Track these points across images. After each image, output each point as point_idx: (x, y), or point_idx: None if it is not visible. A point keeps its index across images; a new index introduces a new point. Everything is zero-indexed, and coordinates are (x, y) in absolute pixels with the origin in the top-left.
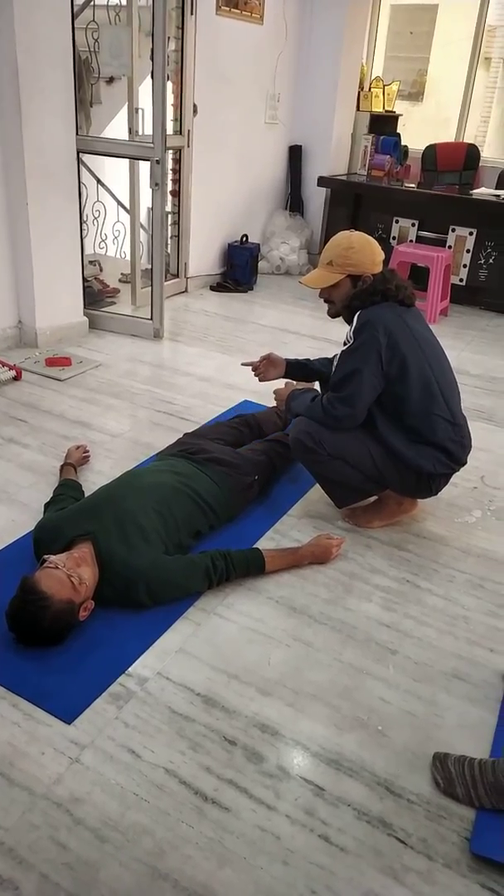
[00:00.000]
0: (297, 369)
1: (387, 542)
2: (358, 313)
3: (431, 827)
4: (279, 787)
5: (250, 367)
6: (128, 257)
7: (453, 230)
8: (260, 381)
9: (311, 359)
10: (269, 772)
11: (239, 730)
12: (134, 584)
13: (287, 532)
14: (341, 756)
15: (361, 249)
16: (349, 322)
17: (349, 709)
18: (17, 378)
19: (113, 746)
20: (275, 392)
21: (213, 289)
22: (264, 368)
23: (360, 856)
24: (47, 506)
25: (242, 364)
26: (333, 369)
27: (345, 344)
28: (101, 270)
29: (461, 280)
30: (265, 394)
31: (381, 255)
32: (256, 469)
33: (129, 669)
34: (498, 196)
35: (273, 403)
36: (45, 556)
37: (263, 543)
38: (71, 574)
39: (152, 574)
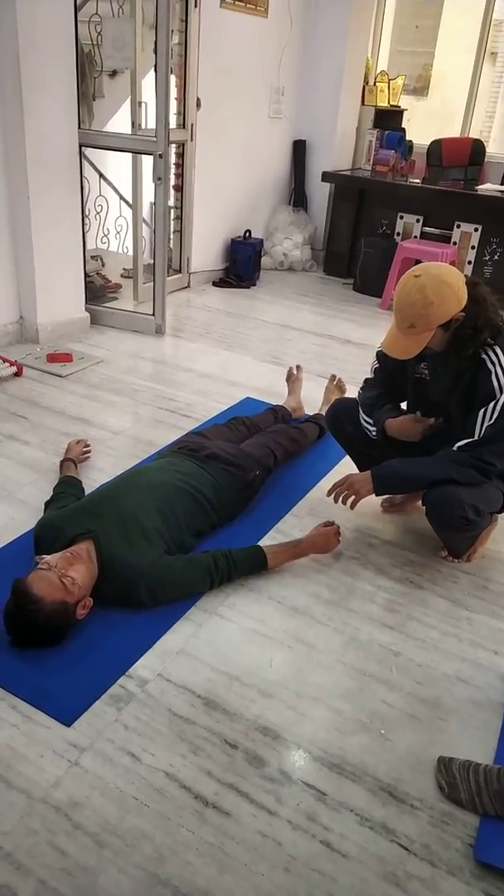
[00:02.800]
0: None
1: (390, 542)
2: (495, 356)
3: (435, 833)
4: (280, 791)
5: (334, 496)
6: (130, 252)
7: (458, 226)
8: (354, 504)
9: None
10: (271, 776)
11: (240, 733)
12: (135, 584)
13: (289, 532)
14: (343, 760)
15: (442, 301)
16: (459, 364)
17: (351, 712)
18: (17, 374)
19: (112, 749)
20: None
21: (215, 284)
22: (349, 490)
23: (363, 862)
24: (48, 504)
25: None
26: (483, 421)
27: (463, 389)
28: (102, 265)
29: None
30: (267, 391)
31: (462, 286)
32: (258, 464)
33: (130, 671)
34: (503, 192)
35: (276, 401)
36: (38, 557)
37: (265, 543)
38: (63, 575)
39: (153, 574)
